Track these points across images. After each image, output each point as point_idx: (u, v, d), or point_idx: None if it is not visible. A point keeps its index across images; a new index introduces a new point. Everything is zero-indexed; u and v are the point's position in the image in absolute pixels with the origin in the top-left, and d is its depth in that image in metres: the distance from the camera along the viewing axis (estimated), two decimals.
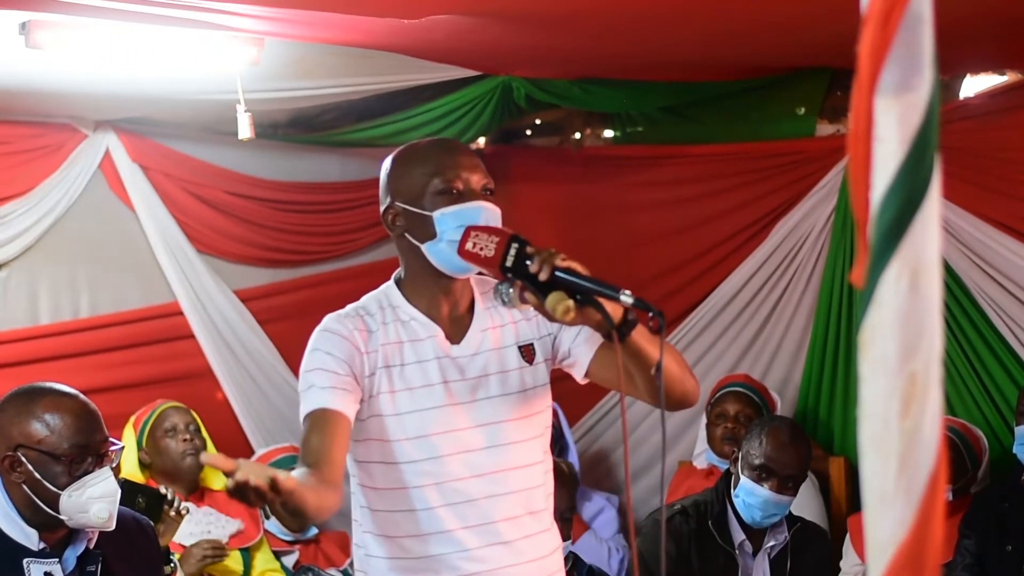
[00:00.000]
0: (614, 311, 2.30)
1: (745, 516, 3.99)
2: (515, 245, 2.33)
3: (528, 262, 2.30)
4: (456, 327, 2.58)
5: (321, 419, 2.43)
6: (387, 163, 2.62)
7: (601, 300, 2.29)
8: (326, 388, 2.46)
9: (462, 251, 2.39)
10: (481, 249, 2.35)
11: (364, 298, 2.63)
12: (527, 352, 2.60)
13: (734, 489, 4.00)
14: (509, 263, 2.32)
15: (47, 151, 4.73)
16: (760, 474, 3.94)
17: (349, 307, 2.60)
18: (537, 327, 2.62)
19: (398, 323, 2.56)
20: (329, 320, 2.57)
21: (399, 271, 2.63)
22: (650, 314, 2.25)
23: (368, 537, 2.60)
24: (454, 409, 2.53)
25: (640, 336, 2.37)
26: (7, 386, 2.97)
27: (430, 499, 2.52)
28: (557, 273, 2.29)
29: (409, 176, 2.56)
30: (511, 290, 2.34)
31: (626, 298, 2.25)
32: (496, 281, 2.46)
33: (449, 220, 2.48)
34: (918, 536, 1.08)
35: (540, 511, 2.61)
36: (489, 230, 2.39)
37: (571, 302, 2.27)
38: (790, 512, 4.12)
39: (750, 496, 3.94)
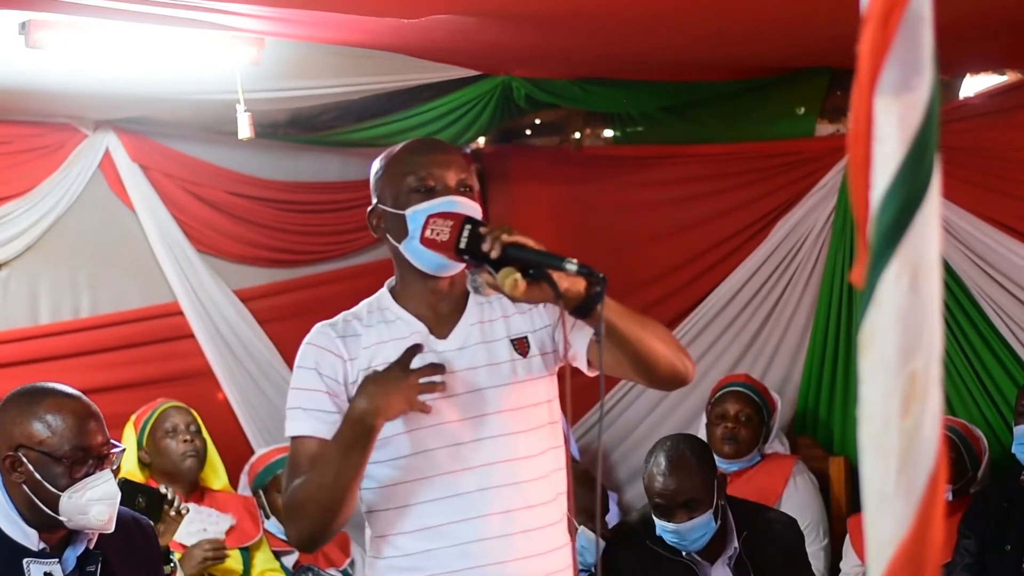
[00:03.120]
0: (574, 284, 2.31)
1: (674, 546, 3.91)
2: (468, 226, 2.34)
3: (481, 242, 2.32)
4: (444, 323, 2.59)
5: (311, 451, 2.51)
6: (372, 166, 2.65)
7: (557, 274, 2.30)
8: (311, 411, 2.53)
9: (423, 239, 2.42)
10: (438, 235, 2.38)
11: (359, 304, 2.65)
12: (520, 345, 2.59)
13: None
14: (463, 245, 2.34)
15: (47, 151, 4.74)
16: (661, 511, 3.82)
17: (340, 315, 2.64)
18: (531, 320, 2.61)
19: (383, 324, 2.58)
20: (314, 332, 2.61)
21: (394, 276, 2.66)
22: (592, 280, 2.28)
23: (370, 540, 2.62)
24: (440, 403, 2.51)
25: (612, 313, 2.37)
26: (7, 386, 2.97)
27: (421, 494, 2.52)
28: (508, 250, 2.30)
29: (387, 178, 2.58)
30: (478, 276, 2.36)
31: (570, 266, 2.27)
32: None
33: (419, 216, 2.48)
34: (918, 536, 1.08)
35: (538, 505, 2.56)
36: (446, 215, 2.41)
37: (518, 275, 2.28)
38: (742, 512, 3.95)
39: (666, 533, 3.83)
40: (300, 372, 2.57)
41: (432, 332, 2.57)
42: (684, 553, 3.85)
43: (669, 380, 2.53)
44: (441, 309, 2.59)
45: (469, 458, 2.52)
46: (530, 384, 2.59)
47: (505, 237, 2.29)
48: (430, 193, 2.51)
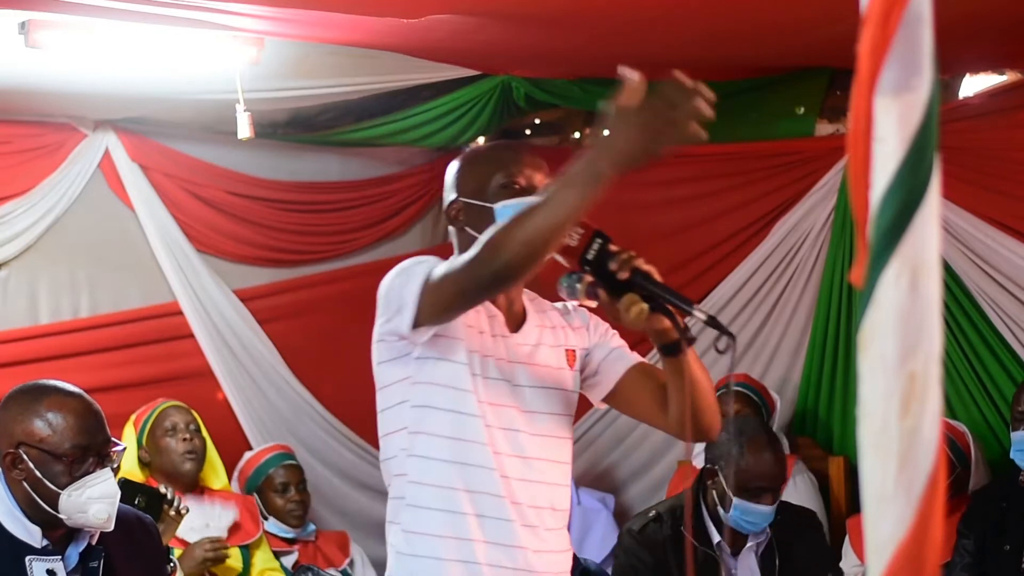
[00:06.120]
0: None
1: (742, 529, 3.91)
2: (599, 240, 2.34)
3: (609, 259, 2.32)
4: (513, 320, 2.61)
5: None
6: (454, 163, 2.67)
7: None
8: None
9: None
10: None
11: None
12: (570, 357, 2.64)
13: (726, 510, 3.88)
14: (590, 256, 2.34)
15: (47, 151, 4.74)
16: (756, 495, 3.85)
17: None
18: (581, 338, 2.66)
19: None
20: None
21: None
22: (720, 336, 2.25)
23: (412, 486, 2.55)
24: (507, 387, 2.55)
25: (694, 360, 2.41)
26: (7, 386, 2.97)
27: (480, 458, 2.52)
28: (634, 277, 2.31)
29: (474, 172, 2.60)
30: (579, 284, 2.36)
31: (699, 313, 2.27)
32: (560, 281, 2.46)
33: (510, 212, 2.49)
34: (917, 536, 1.08)
35: (559, 511, 2.62)
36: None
37: (645, 305, 2.29)
38: None
39: (748, 515, 3.85)
40: (414, 264, 2.48)
41: (506, 323, 2.60)
42: (714, 543, 3.88)
43: (703, 432, 2.59)
44: (509, 307, 2.61)
45: (521, 446, 2.55)
46: (571, 395, 2.64)
47: (639, 264, 2.30)
48: (520, 192, 2.53)
